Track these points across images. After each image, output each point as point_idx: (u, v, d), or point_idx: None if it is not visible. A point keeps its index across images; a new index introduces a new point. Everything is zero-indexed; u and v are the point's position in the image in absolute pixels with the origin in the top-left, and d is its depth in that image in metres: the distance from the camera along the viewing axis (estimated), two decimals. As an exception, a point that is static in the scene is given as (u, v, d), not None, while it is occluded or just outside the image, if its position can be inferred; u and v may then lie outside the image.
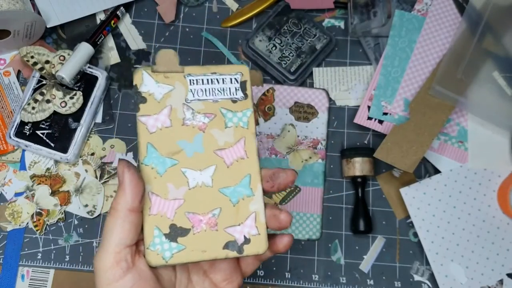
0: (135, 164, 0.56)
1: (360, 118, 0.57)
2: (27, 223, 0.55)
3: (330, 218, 0.57)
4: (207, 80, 0.36)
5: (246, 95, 0.37)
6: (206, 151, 0.35)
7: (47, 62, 0.56)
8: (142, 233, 0.34)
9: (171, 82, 0.36)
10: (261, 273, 0.55)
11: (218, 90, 0.36)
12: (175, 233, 0.34)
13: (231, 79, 0.37)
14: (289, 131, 0.58)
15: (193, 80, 0.36)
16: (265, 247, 0.35)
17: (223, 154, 0.36)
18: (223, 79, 0.37)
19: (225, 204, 0.35)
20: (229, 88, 0.37)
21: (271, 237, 0.37)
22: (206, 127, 0.36)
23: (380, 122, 0.57)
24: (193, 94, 0.36)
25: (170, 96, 0.36)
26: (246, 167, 0.36)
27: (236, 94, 0.37)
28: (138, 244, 0.34)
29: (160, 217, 0.34)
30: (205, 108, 0.36)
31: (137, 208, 0.33)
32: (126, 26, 0.61)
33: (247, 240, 0.35)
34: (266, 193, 0.37)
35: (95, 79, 0.57)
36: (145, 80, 0.35)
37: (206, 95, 0.36)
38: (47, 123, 0.55)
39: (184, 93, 0.36)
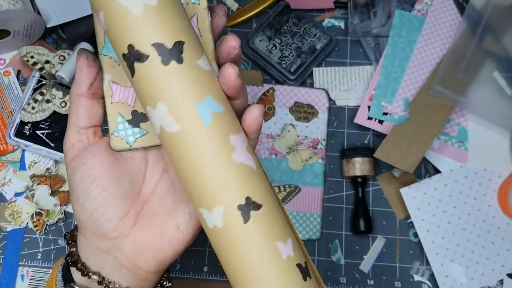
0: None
1: (360, 118, 0.57)
2: (27, 223, 0.55)
3: (330, 218, 0.57)
4: None
5: None
6: None
7: (47, 62, 0.56)
8: (98, 118, 0.35)
9: None
10: (261, 273, 0.55)
11: None
12: (137, 118, 0.34)
13: None
14: (289, 131, 0.57)
15: None
16: None
17: None
18: None
19: None
20: None
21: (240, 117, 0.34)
22: None
23: (380, 122, 0.57)
24: None
25: None
26: None
27: None
28: (102, 130, 0.36)
29: (121, 104, 0.34)
30: None
31: (85, 93, 0.34)
32: (126, 26, 0.61)
33: None
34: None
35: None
36: None
37: None
38: (47, 123, 0.55)
39: None
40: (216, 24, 0.35)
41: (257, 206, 0.29)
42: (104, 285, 0.34)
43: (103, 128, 0.36)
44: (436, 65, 0.57)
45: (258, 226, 0.29)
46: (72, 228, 0.38)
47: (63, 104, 0.55)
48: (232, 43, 0.32)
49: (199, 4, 0.34)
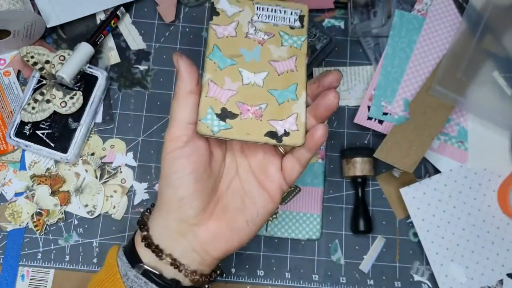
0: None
1: (360, 118, 0.57)
2: (27, 223, 0.55)
3: (330, 218, 0.57)
4: (272, 9, 0.43)
5: (303, 25, 0.43)
6: (261, 60, 0.41)
7: (47, 62, 0.56)
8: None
9: (242, 5, 0.43)
10: (261, 273, 0.55)
11: (279, 18, 0.43)
12: (225, 114, 0.39)
13: (291, 12, 0.43)
14: (289, 131, 0.57)
15: (259, 7, 0.43)
16: (302, 140, 0.39)
17: (276, 64, 0.41)
18: (285, 11, 0.43)
19: (271, 102, 0.40)
20: (289, 18, 0.43)
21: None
22: (265, 42, 0.42)
23: (380, 122, 0.57)
24: (258, 17, 0.43)
25: (239, 15, 0.43)
26: (294, 78, 0.41)
27: (294, 23, 0.43)
28: None
29: (214, 100, 0.39)
30: (266, 28, 0.42)
31: (194, 90, 0.39)
32: (126, 26, 0.61)
33: (286, 133, 0.39)
34: (314, 96, 0.41)
35: (95, 79, 0.57)
36: (220, 0, 0.43)
37: (269, 19, 0.43)
38: (47, 123, 0.55)
39: (251, 15, 0.43)
40: (326, 106, 0.39)
41: None
42: (175, 266, 0.39)
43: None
44: (436, 65, 0.57)
45: None
46: (142, 213, 0.43)
47: (63, 104, 0.55)
48: (336, 76, 0.40)
49: (300, 49, 0.42)
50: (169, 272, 0.39)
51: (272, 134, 0.39)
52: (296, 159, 0.41)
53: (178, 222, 0.39)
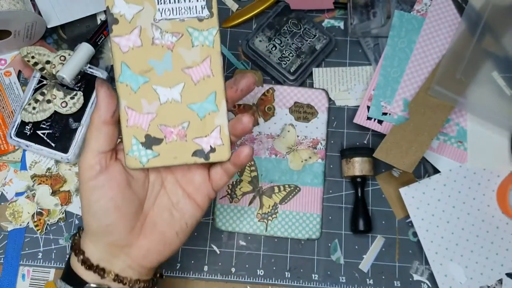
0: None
1: (360, 118, 0.57)
2: (28, 223, 0.55)
3: (330, 218, 0.57)
4: None
5: (212, 13, 0.38)
6: (174, 69, 0.38)
7: (47, 62, 0.56)
8: (118, 143, 0.40)
9: (140, 2, 0.38)
10: (261, 272, 0.55)
11: (184, 9, 0.38)
12: (150, 142, 0.38)
13: None
14: (289, 131, 0.58)
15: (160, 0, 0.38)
16: (228, 155, 0.39)
17: (191, 72, 0.38)
18: None
19: (193, 118, 0.39)
20: (195, 7, 0.38)
21: (234, 150, 0.40)
22: (174, 46, 0.38)
23: (380, 122, 0.57)
24: (161, 14, 0.38)
25: (140, 16, 0.38)
26: (211, 85, 0.39)
27: (202, 12, 0.38)
28: (117, 152, 0.40)
29: (136, 128, 0.38)
30: (172, 28, 0.38)
31: (109, 121, 0.38)
32: (127, 27, 0.61)
33: (212, 149, 0.39)
34: (233, 101, 0.40)
35: (95, 79, 0.57)
36: (116, 1, 0.38)
37: (173, 14, 0.38)
38: (48, 123, 0.56)
39: (153, 13, 0.38)
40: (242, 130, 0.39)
41: None
42: (119, 280, 0.40)
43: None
44: (436, 66, 0.57)
45: None
46: (72, 239, 0.44)
47: (63, 104, 0.55)
48: (251, 79, 0.40)
49: (213, 47, 0.38)
50: (115, 286, 0.40)
51: (199, 153, 0.39)
52: (223, 170, 0.41)
53: (109, 247, 0.40)
